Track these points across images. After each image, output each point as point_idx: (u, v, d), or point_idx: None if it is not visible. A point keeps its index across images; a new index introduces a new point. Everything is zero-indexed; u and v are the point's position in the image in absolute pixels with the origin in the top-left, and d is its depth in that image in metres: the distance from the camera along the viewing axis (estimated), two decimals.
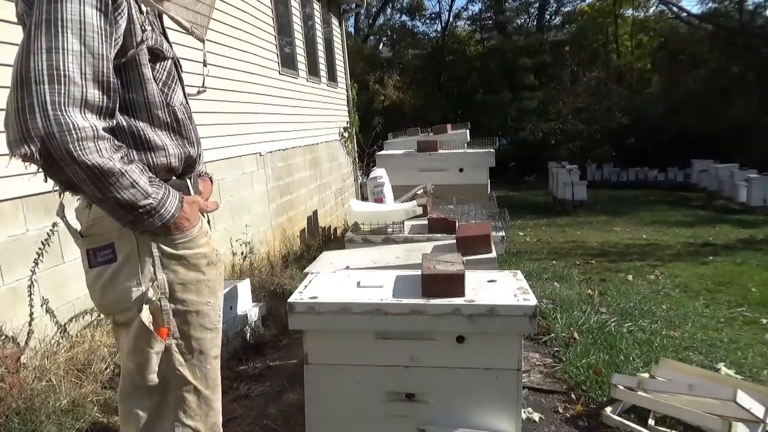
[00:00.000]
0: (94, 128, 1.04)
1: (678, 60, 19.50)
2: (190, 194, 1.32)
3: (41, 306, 2.84)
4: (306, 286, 1.81)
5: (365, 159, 9.91)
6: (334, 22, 9.44)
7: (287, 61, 6.83)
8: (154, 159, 1.22)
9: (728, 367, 2.94)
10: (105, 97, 1.08)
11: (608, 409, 2.41)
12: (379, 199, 3.29)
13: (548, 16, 22.83)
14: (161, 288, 1.24)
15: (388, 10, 24.55)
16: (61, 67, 1.01)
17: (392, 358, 1.69)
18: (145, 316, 1.23)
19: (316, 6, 8.32)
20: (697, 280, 5.50)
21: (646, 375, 2.56)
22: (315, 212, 7.48)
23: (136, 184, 1.11)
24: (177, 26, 1.40)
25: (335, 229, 8.05)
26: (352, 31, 22.12)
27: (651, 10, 22.22)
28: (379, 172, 3.50)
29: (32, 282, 2.80)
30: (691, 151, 15.78)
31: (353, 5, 10.36)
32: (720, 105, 16.60)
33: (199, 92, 1.55)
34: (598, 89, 19.49)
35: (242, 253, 4.96)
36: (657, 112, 17.97)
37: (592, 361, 2.92)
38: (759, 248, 7.35)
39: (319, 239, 7.01)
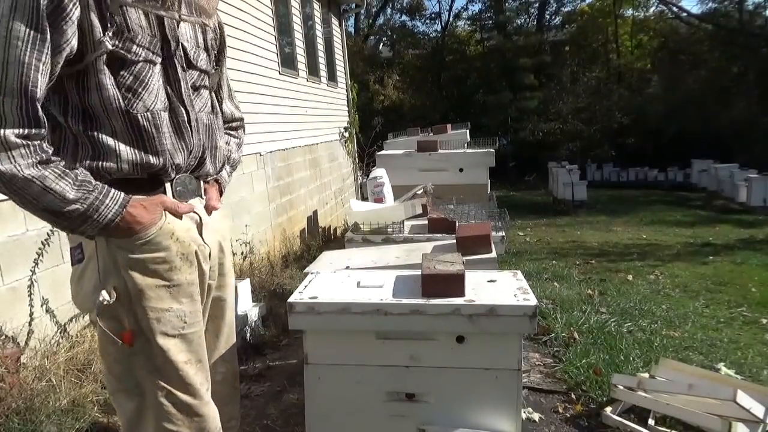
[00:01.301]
0: (3, 136, 1.04)
1: (678, 60, 19.51)
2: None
3: (41, 306, 2.84)
4: (306, 286, 1.81)
5: (365, 159, 9.91)
6: (334, 22, 9.44)
7: (287, 61, 6.83)
8: (104, 164, 1.18)
9: (728, 367, 2.94)
10: (24, 105, 1.06)
11: (608, 409, 2.41)
12: (379, 199, 3.29)
13: (548, 16, 22.86)
14: (118, 292, 1.22)
15: (388, 10, 24.57)
16: None
17: (392, 358, 1.69)
18: (105, 318, 1.22)
19: (316, 6, 8.32)
20: (697, 280, 5.50)
21: (646, 375, 2.56)
22: (315, 212, 7.48)
23: (50, 190, 1.09)
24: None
25: (335, 229, 8.05)
26: (352, 31, 22.11)
27: (651, 10, 22.27)
28: (379, 172, 3.50)
29: (32, 282, 2.80)
30: (691, 151, 15.79)
31: (353, 5, 10.36)
32: (720, 105, 16.61)
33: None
34: (598, 89, 19.49)
35: (242, 253, 4.96)
36: (657, 112, 17.99)
37: (592, 361, 2.92)
38: (759, 248, 7.35)
39: (319, 239, 7.02)
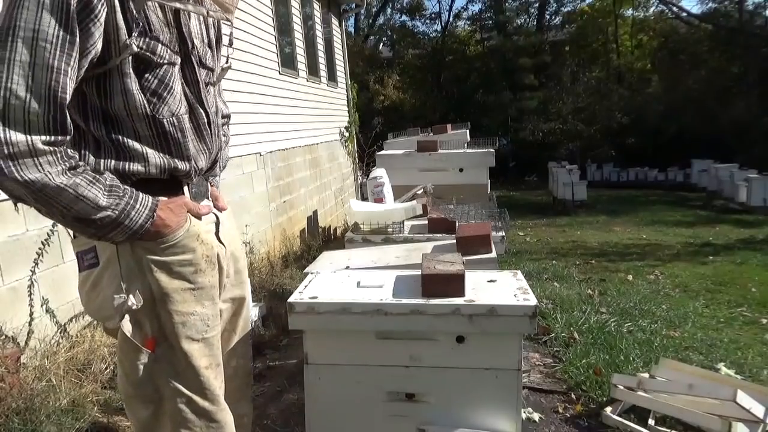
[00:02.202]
0: (30, 143, 0.99)
1: (678, 60, 19.51)
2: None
3: (41, 306, 2.84)
4: (306, 286, 1.81)
5: (365, 159, 9.91)
6: (334, 22, 9.44)
7: (287, 61, 6.83)
8: (130, 167, 1.15)
9: (728, 367, 2.94)
10: (52, 111, 1.01)
11: (608, 409, 2.41)
12: (379, 199, 3.29)
13: (548, 16, 22.85)
14: (143, 296, 1.19)
15: (388, 10, 24.58)
16: (5, 79, 0.97)
17: (392, 358, 1.69)
18: (127, 324, 1.19)
19: (316, 6, 8.32)
20: (697, 280, 5.50)
21: (646, 375, 2.56)
22: (315, 212, 7.48)
23: (83, 197, 1.06)
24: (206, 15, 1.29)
25: (335, 229, 8.05)
26: (352, 31, 22.13)
27: (651, 10, 22.27)
28: (379, 172, 3.50)
29: (32, 282, 2.80)
30: (691, 151, 15.79)
31: (353, 5, 10.36)
32: (720, 105, 16.61)
33: (224, 69, 1.46)
34: (598, 89, 19.52)
35: None
36: (657, 112, 17.99)
37: (592, 361, 2.92)
38: (759, 248, 7.35)
39: (319, 239, 7.01)
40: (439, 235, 2.63)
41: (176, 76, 1.21)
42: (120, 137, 1.14)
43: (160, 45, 1.16)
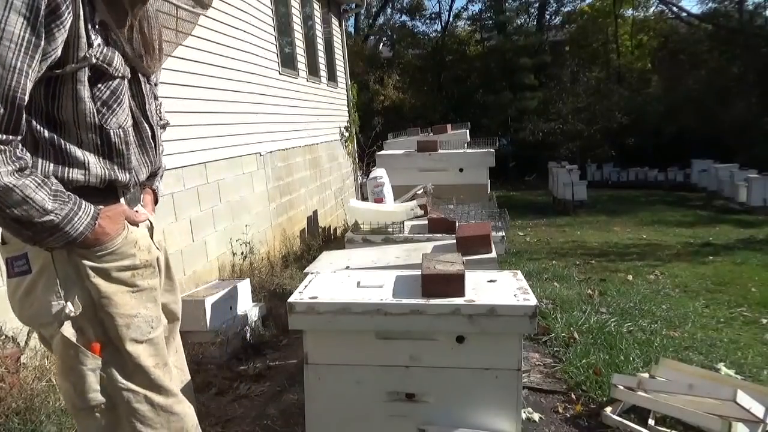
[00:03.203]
0: None
1: (678, 60, 19.53)
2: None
3: None
4: (306, 286, 1.81)
5: (365, 159, 9.92)
6: (334, 22, 9.44)
7: (287, 61, 6.83)
8: (70, 174, 1.14)
9: (728, 367, 2.94)
10: (8, 111, 1.01)
11: (608, 409, 2.41)
12: (379, 199, 3.29)
13: (548, 16, 22.87)
14: (83, 302, 1.18)
15: (388, 10, 24.60)
16: None
17: (392, 358, 1.69)
18: (69, 331, 1.17)
19: (316, 6, 8.32)
20: (697, 280, 5.50)
21: (646, 375, 2.56)
22: (315, 212, 7.48)
23: (30, 200, 1.05)
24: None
25: (335, 229, 8.05)
26: (352, 31, 22.13)
27: (651, 10, 22.28)
28: (379, 172, 3.50)
29: None
30: (691, 151, 15.80)
31: (353, 5, 10.36)
32: (720, 105, 16.62)
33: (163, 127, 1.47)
34: (598, 89, 19.52)
35: (242, 253, 4.96)
36: (657, 112, 18.00)
37: (592, 361, 2.92)
38: (759, 248, 7.35)
39: (319, 239, 7.02)
40: (439, 235, 2.63)
41: (126, 89, 1.22)
42: (62, 142, 1.13)
43: (117, 56, 1.18)
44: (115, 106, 1.18)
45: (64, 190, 1.11)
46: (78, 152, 1.15)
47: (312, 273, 1.97)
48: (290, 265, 5.51)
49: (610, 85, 20.01)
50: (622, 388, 2.46)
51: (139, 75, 1.27)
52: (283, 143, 6.44)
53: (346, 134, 9.57)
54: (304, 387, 1.74)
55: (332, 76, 9.06)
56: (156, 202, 1.49)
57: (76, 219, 1.11)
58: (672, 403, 2.30)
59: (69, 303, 1.16)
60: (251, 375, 3.05)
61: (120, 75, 1.19)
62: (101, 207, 1.18)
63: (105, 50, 1.15)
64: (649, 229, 9.63)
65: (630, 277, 5.48)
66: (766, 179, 11.13)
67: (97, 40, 1.12)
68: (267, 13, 6.21)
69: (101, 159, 1.18)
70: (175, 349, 1.50)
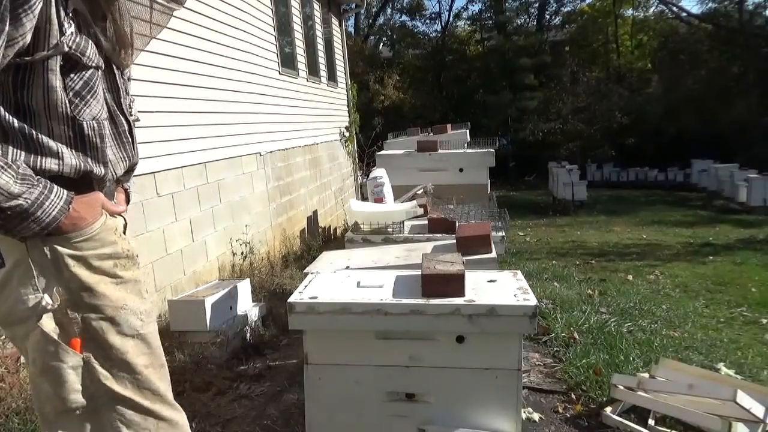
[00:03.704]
0: None
1: (678, 60, 19.53)
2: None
3: None
4: (306, 286, 1.81)
5: (365, 159, 9.92)
6: (334, 22, 9.44)
7: (287, 61, 6.83)
8: (43, 163, 1.08)
9: (728, 367, 2.94)
10: None
11: (608, 409, 2.41)
12: (379, 199, 3.29)
13: (548, 16, 22.88)
14: (62, 294, 1.11)
15: (388, 10, 24.61)
16: None
17: (392, 358, 1.69)
18: (48, 326, 1.10)
19: (316, 6, 8.32)
20: (697, 280, 5.50)
21: (646, 375, 2.56)
22: (315, 212, 7.48)
23: None
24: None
25: (335, 229, 8.05)
26: (352, 31, 22.13)
27: (651, 10, 22.28)
28: (379, 172, 3.50)
29: None
30: (691, 151, 15.81)
31: (353, 5, 10.36)
32: (720, 105, 16.63)
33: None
34: (598, 89, 19.51)
35: (242, 253, 4.96)
36: (657, 112, 18.00)
37: (592, 361, 2.92)
38: (759, 248, 7.35)
39: (319, 239, 7.02)
40: (439, 235, 2.63)
41: (100, 80, 1.16)
42: (33, 132, 1.08)
43: (89, 48, 1.12)
44: (88, 97, 1.13)
45: (33, 174, 1.05)
46: (51, 143, 1.09)
47: (312, 273, 1.98)
48: (290, 265, 5.51)
49: (610, 85, 20.01)
50: (622, 388, 2.46)
51: (114, 67, 1.21)
52: (283, 143, 6.43)
53: (346, 134, 9.57)
54: (304, 387, 1.75)
55: (332, 76, 9.06)
56: (128, 201, 1.42)
57: (47, 203, 1.05)
58: (672, 403, 2.30)
59: (46, 295, 1.09)
60: (251, 375, 3.05)
61: (94, 65, 1.13)
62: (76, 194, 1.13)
63: (78, 39, 1.09)
64: (649, 229, 9.63)
65: (630, 277, 5.48)
66: (766, 179, 11.13)
67: (70, 28, 1.07)
68: (267, 13, 6.21)
69: (75, 150, 1.12)
70: None
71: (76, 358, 1.12)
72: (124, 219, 1.30)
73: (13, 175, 1.01)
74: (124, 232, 1.27)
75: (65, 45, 1.06)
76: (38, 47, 1.04)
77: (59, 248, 1.11)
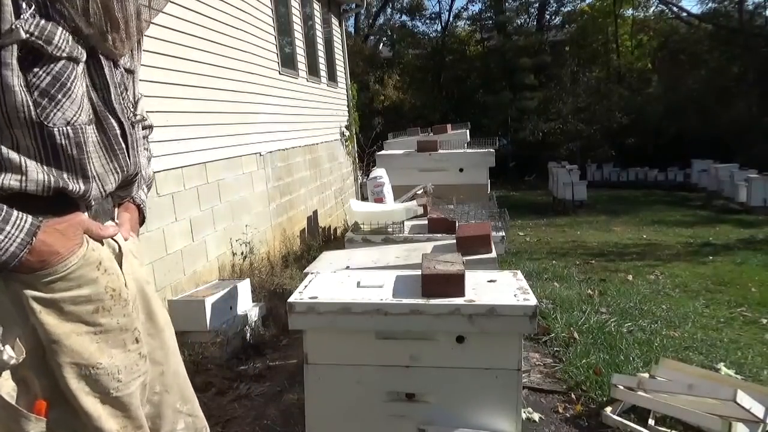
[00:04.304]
0: None
1: (678, 60, 19.52)
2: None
3: None
4: (306, 286, 1.81)
5: (365, 159, 9.92)
6: (334, 22, 9.44)
7: (287, 61, 6.83)
8: (2, 180, 0.87)
9: (728, 367, 2.94)
10: None
11: (608, 409, 2.41)
12: (379, 199, 3.29)
13: (548, 16, 22.85)
14: (27, 345, 0.90)
15: (388, 10, 24.58)
16: None
17: (392, 358, 1.69)
18: (6, 387, 0.89)
19: (316, 6, 8.32)
20: (697, 280, 5.50)
21: (646, 375, 2.56)
22: (315, 212, 7.48)
23: None
24: None
25: (335, 229, 8.06)
26: (352, 31, 22.11)
27: (651, 10, 22.27)
28: (379, 172, 3.50)
29: None
30: (691, 151, 15.80)
31: (353, 5, 10.36)
32: (720, 105, 16.63)
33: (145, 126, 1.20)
34: (598, 89, 19.52)
35: (242, 253, 4.96)
36: (657, 112, 18.00)
37: (592, 361, 2.92)
38: (759, 248, 7.35)
39: (319, 239, 7.02)
40: (439, 235, 2.63)
41: (78, 75, 0.93)
42: None
43: (59, 31, 0.88)
44: (59, 96, 0.90)
45: None
46: (12, 154, 0.87)
47: (312, 273, 1.97)
48: (290, 265, 5.51)
49: (610, 85, 20.01)
50: (622, 388, 2.46)
51: (102, 58, 0.98)
52: (283, 143, 6.44)
53: (346, 134, 9.57)
54: (304, 387, 1.74)
55: (332, 76, 9.06)
56: (142, 220, 1.20)
57: (2, 237, 0.84)
58: (672, 403, 2.30)
59: (8, 347, 0.88)
60: (251, 375, 3.05)
61: (65, 55, 0.89)
62: (48, 218, 0.91)
63: (41, 22, 0.85)
64: (649, 229, 9.62)
65: (630, 277, 5.48)
66: (766, 179, 11.12)
67: (29, 9, 0.84)
68: (267, 13, 6.22)
69: (44, 163, 0.90)
70: (180, 398, 1.19)
71: (39, 424, 0.92)
72: (118, 244, 1.07)
73: None
74: (120, 263, 1.05)
75: (21, 30, 0.83)
76: None
77: (24, 289, 0.90)
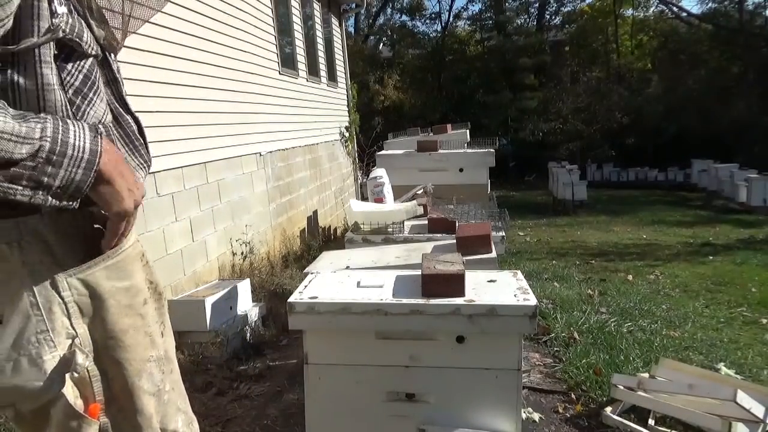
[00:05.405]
0: None
1: (678, 60, 19.52)
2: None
3: None
4: (306, 286, 1.81)
5: (365, 159, 9.92)
6: (334, 22, 9.44)
7: (287, 61, 6.83)
8: None
9: (728, 367, 2.94)
10: None
11: (608, 409, 2.41)
12: (379, 199, 3.29)
13: (548, 16, 22.87)
14: (87, 344, 0.86)
15: (388, 10, 24.60)
16: None
17: (392, 358, 1.69)
18: (71, 393, 0.81)
19: (316, 6, 8.32)
20: (697, 280, 5.50)
21: (646, 375, 2.56)
22: (315, 212, 7.48)
23: None
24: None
25: (335, 229, 8.06)
26: (352, 31, 22.13)
27: (651, 10, 22.28)
28: (379, 172, 3.50)
29: None
30: (691, 151, 15.81)
31: (353, 5, 10.36)
32: (720, 105, 16.63)
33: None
34: (598, 89, 19.51)
35: (242, 253, 4.96)
36: (657, 112, 18.00)
37: (592, 361, 2.92)
38: (759, 248, 7.35)
39: (319, 239, 7.02)
40: (439, 235, 2.63)
41: (99, 72, 0.91)
42: None
43: (86, 31, 0.86)
44: (91, 94, 0.87)
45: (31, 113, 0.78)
46: None
47: (312, 273, 1.97)
48: (290, 265, 5.52)
49: (610, 85, 20.00)
50: (622, 388, 2.46)
51: (108, 55, 0.96)
52: (283, 143, 6.44)
53: (346, 134, 9.57)
54: (304, 387, 1.74)
55: (332, 76, 9.06)
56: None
57: (71, 134, 0.77)
58: (672, 403, 2.30)
59: (75, 350, 0.82)
60: (251, 375, 3.05)
61: (93, 53, 0.88)
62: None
63: (72, 21, 0.83)
64: (649, 229, 9.62)
65: (630, 277, 5.48)
66: (766, 179, 11.12)
67: (61, 8, 0.81)
68: (267, 13, 6.22)
69: None
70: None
71: (91, 427, 0.85)
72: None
73: (6, 114, 0.72)
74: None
75: (60, 29, 0.80)
76: (24, 32, 0.77)
77: (76, 279, 0.84)
